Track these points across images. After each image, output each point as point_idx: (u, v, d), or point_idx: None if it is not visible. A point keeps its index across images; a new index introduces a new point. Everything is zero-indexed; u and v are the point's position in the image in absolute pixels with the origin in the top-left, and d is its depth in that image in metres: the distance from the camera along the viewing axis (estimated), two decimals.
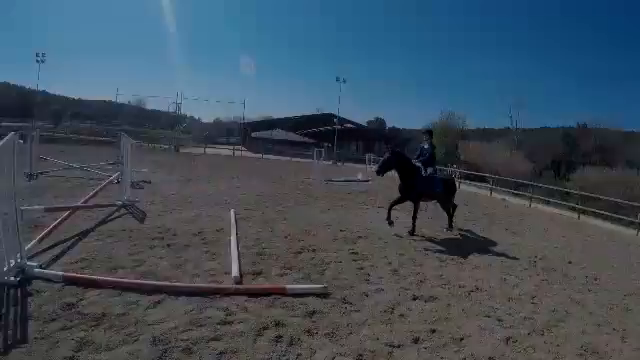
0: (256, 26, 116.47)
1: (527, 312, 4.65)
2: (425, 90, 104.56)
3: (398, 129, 66.97)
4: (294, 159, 34.96)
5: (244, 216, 8.27)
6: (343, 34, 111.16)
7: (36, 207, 6.51)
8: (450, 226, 9.00)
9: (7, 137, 4.11)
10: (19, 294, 3.82)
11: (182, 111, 56.07)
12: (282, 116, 56.64)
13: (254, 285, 4.55)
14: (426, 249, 7.11)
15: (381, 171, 8.07)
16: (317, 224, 8.11)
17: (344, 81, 48.46)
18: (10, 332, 3.16)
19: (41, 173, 11.82)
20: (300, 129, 54.78)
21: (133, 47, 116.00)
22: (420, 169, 8.29)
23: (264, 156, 35.50)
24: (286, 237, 6.84)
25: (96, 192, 9.09)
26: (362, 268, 5.54)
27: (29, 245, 4.83)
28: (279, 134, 53.40)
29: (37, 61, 44.99)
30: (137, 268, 4.81)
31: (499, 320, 4.32)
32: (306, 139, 52.03)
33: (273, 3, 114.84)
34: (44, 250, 5.11)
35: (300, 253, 6.02)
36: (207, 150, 35.79)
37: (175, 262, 5.14)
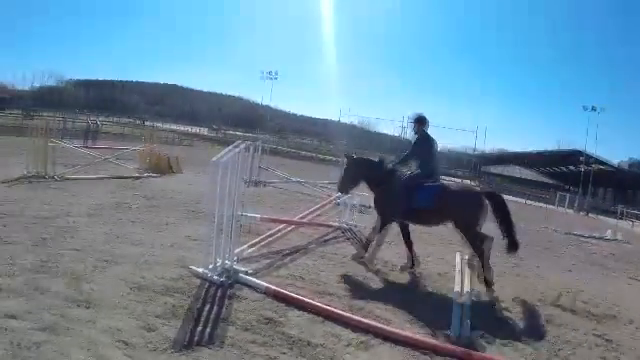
0: (495, 49, 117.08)
1: None
2: None
3: None
4: (529, 202, 37.21)
5: (472, 263, 7.86)
6: (596, 55, 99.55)
7: (252, 215, 7.55)
8: (487, 284, 6.31)
9: (234, 145, 5.16)
10: (219, 294, 4.49)
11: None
12: (517, 149, 60.07)
13: (473, 350, 4.31)
14: None
15: (344, 187, 7.32)
16: (556, 287, 7.32)
17: (593, 109, 46.87)
18: (200, 329, 3.70)
19: (260, 182, 14.38)
20: (537, 166, 57.13)
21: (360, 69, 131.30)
22: (398, 173, 6.87)
23: None
24: (515, 299, 6.38)
25: (313, 210, 10.07)
26: (604, 358, 4.88)
27: (238, 249, 5.66)
28: (512, 171, 56.86)
29: (261, 78, 66.16)
30: (346, 298, 5.08)
31: None
32: (544, 179, 54.90)
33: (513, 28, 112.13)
34: (252, 257, 5.96)
35: (533, 323, 5.64)
36: None
37: (390, 302, 5.21)
